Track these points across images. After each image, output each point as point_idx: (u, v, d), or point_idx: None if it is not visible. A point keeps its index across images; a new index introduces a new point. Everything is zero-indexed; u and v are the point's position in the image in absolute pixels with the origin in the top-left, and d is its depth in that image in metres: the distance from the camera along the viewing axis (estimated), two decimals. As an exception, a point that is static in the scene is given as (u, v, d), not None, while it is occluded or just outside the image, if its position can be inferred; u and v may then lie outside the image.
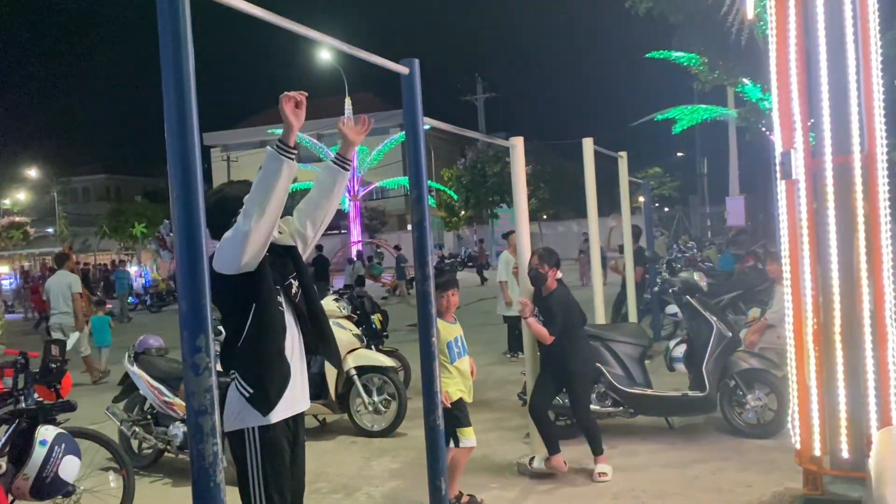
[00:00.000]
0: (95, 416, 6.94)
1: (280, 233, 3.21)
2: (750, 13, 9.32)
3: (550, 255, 5.53)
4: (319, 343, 3.27)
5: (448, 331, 4.90)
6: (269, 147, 2.87)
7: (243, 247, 2.84)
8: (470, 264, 37.46)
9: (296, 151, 2.86)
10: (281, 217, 3.06)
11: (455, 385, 4.82)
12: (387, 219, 45.51)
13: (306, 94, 2.89)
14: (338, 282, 23.70)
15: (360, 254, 27.86)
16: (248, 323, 3.00)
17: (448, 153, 51.48)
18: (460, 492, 4.97)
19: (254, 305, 2.99)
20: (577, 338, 5.49)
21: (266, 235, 2.85)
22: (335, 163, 3.31)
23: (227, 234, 2.93)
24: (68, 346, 6.77)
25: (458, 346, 4.97)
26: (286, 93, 2.86)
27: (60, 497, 4.54)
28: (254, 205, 2.81)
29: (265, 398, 3.02)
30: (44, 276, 21.99)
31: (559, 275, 5.52)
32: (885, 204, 3.90)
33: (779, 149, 4.17)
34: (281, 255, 3.18)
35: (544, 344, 5.45)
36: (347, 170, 3.32)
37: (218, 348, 3.46)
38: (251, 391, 3.00)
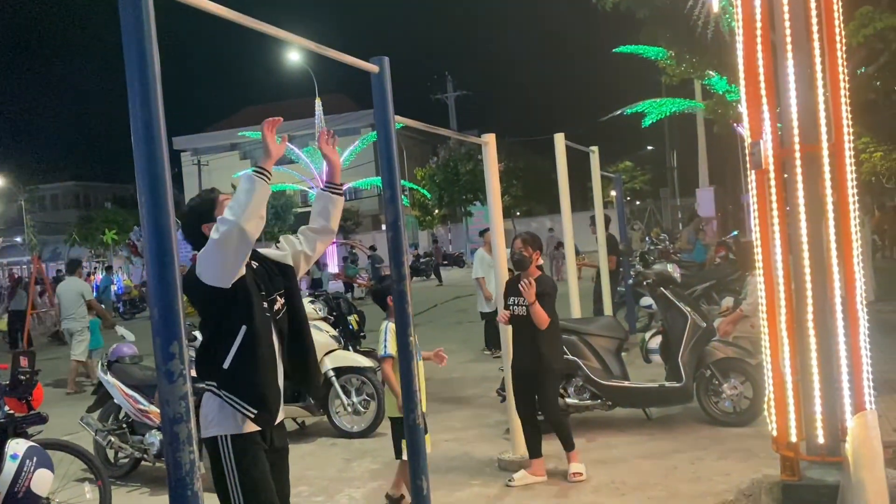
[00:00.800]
0: (70, 427, 6.84)
1: (282, 251, 3.31)
2: (716, 6, 9.40)
3: (534, 239, 5.50)
4: (303, 377, 3.29)
5: None
6: (246, 172, 2.98)
7: (218, 253, 2.88)
8: (445, 262, 37.50)
9: (270, 176, 2.97)
10: (283, 234, 3.28)
11: None
12: (360, 219, 45.37)
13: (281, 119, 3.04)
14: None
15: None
16: (238, 344, 2.99)
17: (420, 152, 51.44)
18: (402, 495, 4.93)
19: (244, 328, 3.00)
20: (556, 333, 5.44)
21: (239, 244, 2.87)
22: (327, 191, 3.40)
23: (207, 244, 2.94)
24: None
25: None
26: (268, 119, 3.00)
27: (35, 511, 4.46)
28: (229, 215, 2.86)
29: (268, 415, 3.06)
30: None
31: (540, 261, 5.50)
32: (852, 191, 3.95)
33: (748, 139, 4.21)
34: (274, 272, 3.23)
35: (525, 337, 5.34)
36: (341, 195, 3.43)
37: (192, 353, 3.43)
38: (255, 412, 3.02)
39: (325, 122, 32.91)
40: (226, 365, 2.99)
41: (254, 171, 2.94)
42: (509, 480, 5.31)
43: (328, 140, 3.41)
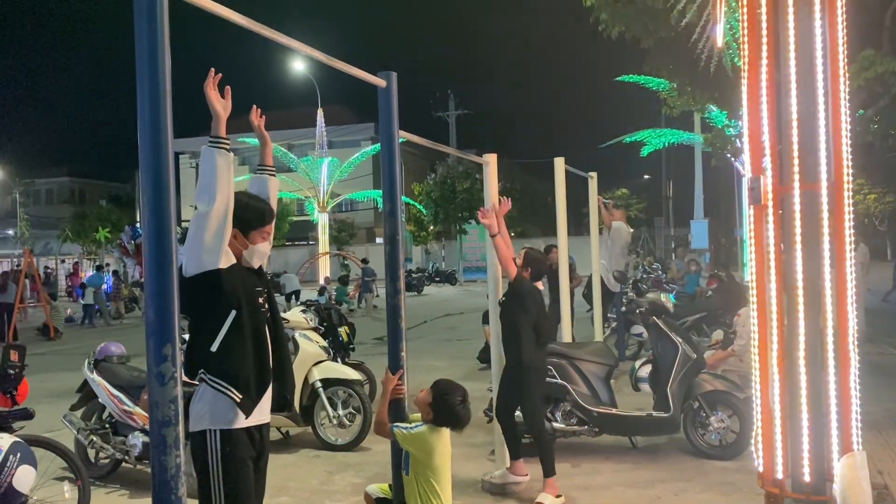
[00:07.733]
0: (52, 424, 6.77)
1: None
2: (719, 41, 9.49)
3: (535, 261, 5.54)
4: (278, 379, 3.28)
5: None
6: (203, 146, 2.95)
7: (202, 230, 2.88)
8: (437, 279, 37.47)
9: (227, 141, 2.95)
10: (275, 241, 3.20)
11: None
12: (355, 231, 45.38)
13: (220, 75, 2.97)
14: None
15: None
16: (226, 328, 2.98)
17: (419, 168, 51.56)
18: None
19: (233, 313, 3.00)
20: (535, 347, 5.37)
21: (221, 218, 2.89)
22: (262, 173, 3.47)
23: (188, 234, 2.97)
24: None
25: None
26: (209, 80, 2.92)
27: (12, 508, 4.40)
28: (202, 193, 2.89)
29: (251, 402, 3.04)
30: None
31: (541, 286, 5.51)
32: (849, 231, 3.97)
33: (748, 174, 4.23)
34: (249, 272, 3.23)
35: (510, 349, 5.39)
36: (274, 175, 3.50)
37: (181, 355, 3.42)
38: (240, 396, 3.00)
39: (325, 133, 33.00)
40: (213, 348, 2.98)
41: (209, 142, 2.92)
42: (489, 477, 5.51)
43: (258, 118, 3.48)
